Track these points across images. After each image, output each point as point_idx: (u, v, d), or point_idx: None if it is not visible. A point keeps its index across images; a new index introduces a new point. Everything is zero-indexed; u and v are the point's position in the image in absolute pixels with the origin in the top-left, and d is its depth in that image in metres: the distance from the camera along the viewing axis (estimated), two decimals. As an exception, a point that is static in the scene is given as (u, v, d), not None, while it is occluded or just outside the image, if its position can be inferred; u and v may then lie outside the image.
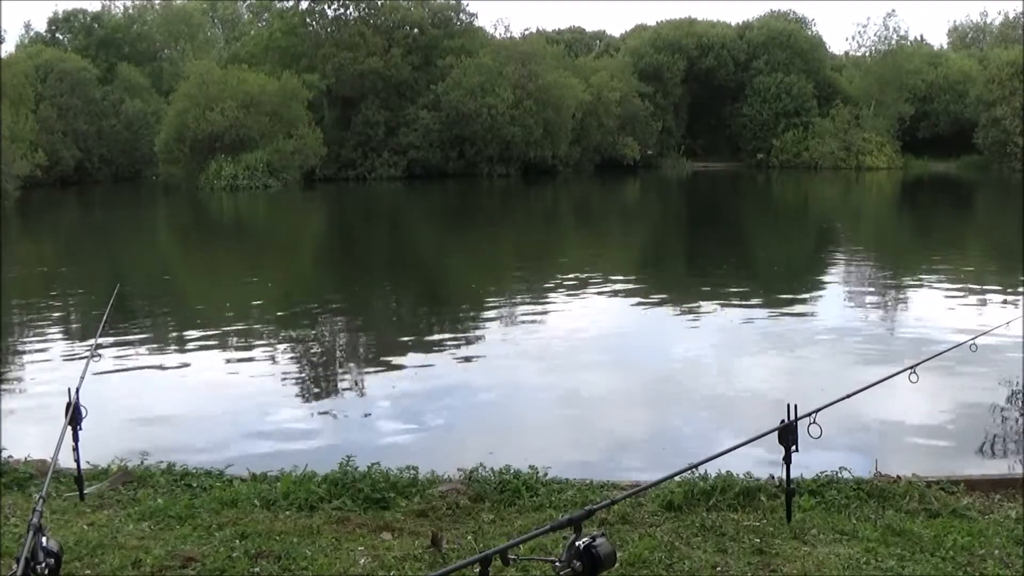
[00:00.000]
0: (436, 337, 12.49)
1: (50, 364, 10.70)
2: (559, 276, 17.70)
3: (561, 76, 53.97)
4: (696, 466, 4.73)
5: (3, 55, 47.30)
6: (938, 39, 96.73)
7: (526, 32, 63.31)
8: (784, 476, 4.37)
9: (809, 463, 5.00)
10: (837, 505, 4.84)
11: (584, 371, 10.10)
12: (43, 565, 2.34)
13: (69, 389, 4.34)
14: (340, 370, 10.85)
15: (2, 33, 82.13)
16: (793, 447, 4.11)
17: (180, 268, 21.84)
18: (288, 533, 4.47)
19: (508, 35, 60.75)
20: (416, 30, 55.11)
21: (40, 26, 68.94)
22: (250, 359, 10.99)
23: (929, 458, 6.94)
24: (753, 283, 17.16)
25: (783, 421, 4.07)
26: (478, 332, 12.79)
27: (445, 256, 22.50)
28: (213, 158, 46.50)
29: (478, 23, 59.82)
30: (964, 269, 18.20)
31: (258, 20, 69.35)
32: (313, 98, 50.80)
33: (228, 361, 10.93)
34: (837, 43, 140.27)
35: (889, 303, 14.81)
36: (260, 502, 4.99)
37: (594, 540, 2.20)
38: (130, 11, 64.95)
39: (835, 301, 14.87)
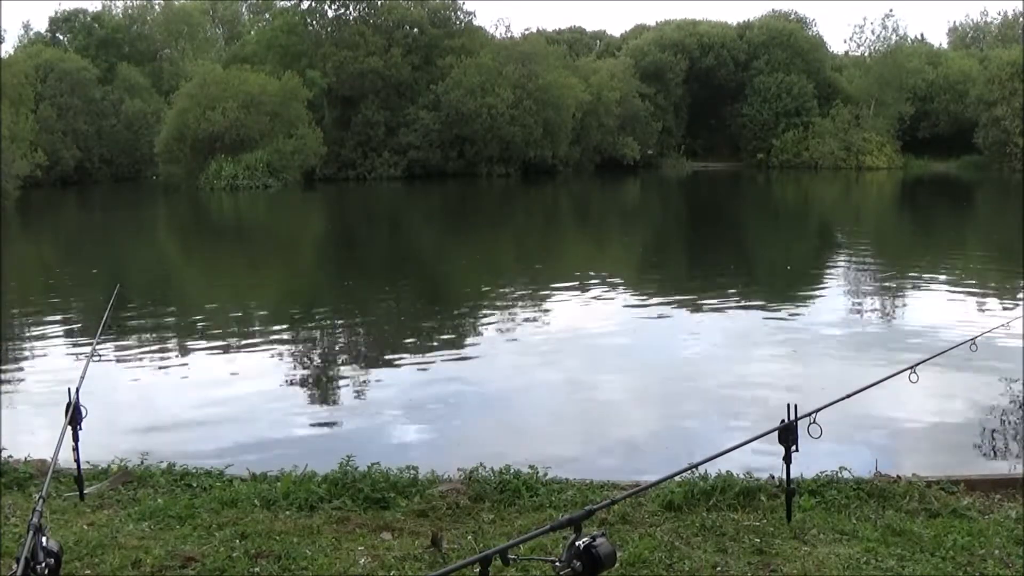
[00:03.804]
0: (436, 337, 12.48)
1: (50, 364, 10.70)
2: (559, 276, 17.70)
3: (561, 76, 53.96)
4: (696, 466, 4.73)
5: (3, 55, 47.38)
6: (938, 39, 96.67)
7: (526, 32, 63.31)
8: (784, 476, 4.36)
9: (809, 463, 5.00)
10: (837, 505, 4.84)
11: (584, 371, 10.10)
12: (43, 565, 2.33)
13: (69, 389, 4.34)
14: (340, 370, 10.84)
15: (2, 33, 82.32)
16: (793, 447, 4.10)
17: (180, 268, 21.84)
18: (288, 533, 4.47)
19: (508, 35, 60.88)
20: (416, 30, 55.10)
21: (40, 26, 69.10)
22: (250, 359, 10.99)
23: (929, 458, 6.94)
24: (753, 283, 17.17)
25: (783, 421, 4.06)
26: (478, 332, 12.79)
27: (445, 256, 22.49)
28: (213, 158, 46.50)
29: (477, 22, 59.99)
30: (964, 269, 18.19)
31: (259, 20, 69.37)
32: (313, 98, 50.81)
33: (228, 361, 10.92)
34: (837, 43, 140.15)
35: (889, 303, 14.81)
36: (260, 502, 4.99)
37: (594, 540, 2.20)
38: (130, 11, 64.88)
39: (835, 301, 14.87)
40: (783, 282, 17.38)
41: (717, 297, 14.75)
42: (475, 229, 28.93)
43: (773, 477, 5.03)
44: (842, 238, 25.87)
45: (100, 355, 10.31)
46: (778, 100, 60.30)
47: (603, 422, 8.27)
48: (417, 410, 8.67)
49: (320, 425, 8.36)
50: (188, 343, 12.03)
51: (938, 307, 13.75)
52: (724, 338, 11.82)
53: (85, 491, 5.07)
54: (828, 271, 18.85)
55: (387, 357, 11.21)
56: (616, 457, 7.25)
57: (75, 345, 11.71)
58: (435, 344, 11.92)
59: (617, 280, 17.34)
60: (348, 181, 51.08)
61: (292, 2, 57.34)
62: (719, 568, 4.03)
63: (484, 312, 14.34)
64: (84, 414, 4.37)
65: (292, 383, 10.06)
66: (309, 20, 56.01)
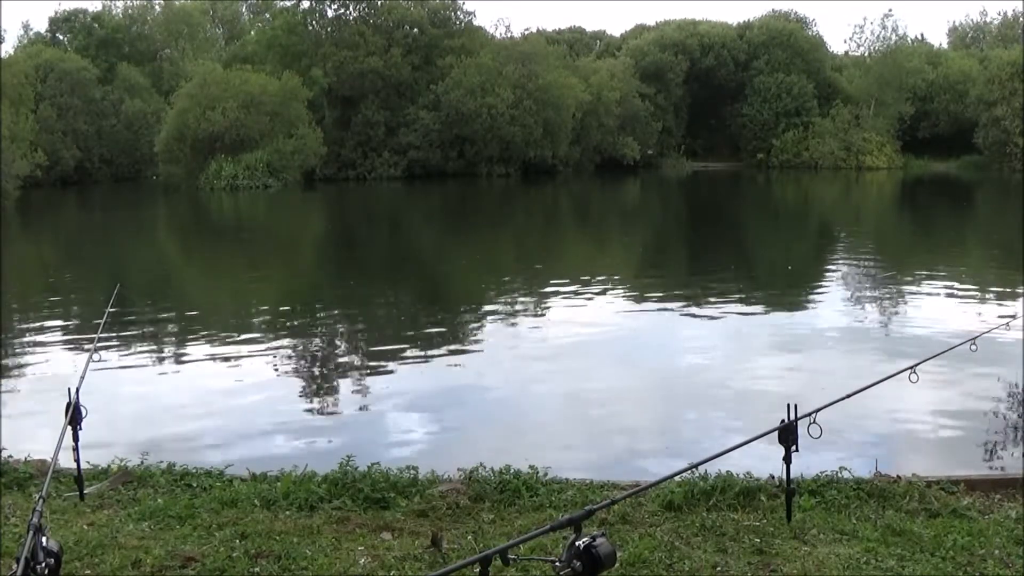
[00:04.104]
0: (437, 337, 12.48)
1: (50, 364, 10.70)
2: (559, 276, 17.69)
3: (561, 76, 53.96)
4: (696, 466, 4.73)
5: (3, 55, 47.38)
6: (938, 39, 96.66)
7: (526, 32, 63.29)
8: (784, 476, 4.36)
9: (809, 463, 5.00)
10: (837, 505, 4.84)
11: (585, 371, 10.09)
12: (43, 565, 2.34)
13: (69, 389, 4.34)
14: (340, 370, 10.85)
15: (2, 33, 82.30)
16: (793, 447, 4.10)
17: (180, 268, 21.83)
18: (288, 533, 4.47)
19: (508, 35, 60.86)
20: (416, 30, 55.10)
21: (40, 26, 69.15)
22: (250, 359, 10.97)
23: (929, 458, 6.95)
24: (753, 283, 17.16)
25: (783, 421, 4.06)
26: (478, 332, 12.79)
27: (445, 256, 22.49)
28: (213, 158, 46.50)
29: (477, 22, 60.00)
30: (964, 269, 18.20)
31: (259, 20, 69.38)
32: (313, 98, 50.81)
33: (228, 361, 10.91)
34: (837, 43, 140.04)
35: (889, 303, 14.80)
36: (260, 502, 4.99)
37: (594, 540, 2.20)
38: (130, 11, 64.89)
39: (835, 301, 14.87)
40: (783, 282, 17.39)
41: (717, 297, 14.75)
42: (475, 229, 28.92)
43: (773, 477, 5.03)
44: (842, 238, 25.87)
45: (100, 355, 10.30)
46: (778, 100, 60.28)
47: (603, 422, 8.27)
48: (417, 410, 8.68)
49: (320, 425, 8.35)
50: (188, 343, 12.03)
51: (938, 307, 13.74)
52: (724, 338, 11.82)
53: (85, 491, 5.07)
54: (828, 271, 18.84)
55: (387, 357, 11.21)
56: (616, 457, 7.25)
57: (75, 345, 11.71)
58: (435, 344, 11.92)
59: (617, 280, 17.34)
60: (348, 181, 51.07)
61: (292, 2, 57.40)
62: (719, 568, 4.03)
63: (484, 312, 14.33)
64: (84, 414, 4.37)
65: (292, 383, 10.06)
66: (309, 20, 56.01)
